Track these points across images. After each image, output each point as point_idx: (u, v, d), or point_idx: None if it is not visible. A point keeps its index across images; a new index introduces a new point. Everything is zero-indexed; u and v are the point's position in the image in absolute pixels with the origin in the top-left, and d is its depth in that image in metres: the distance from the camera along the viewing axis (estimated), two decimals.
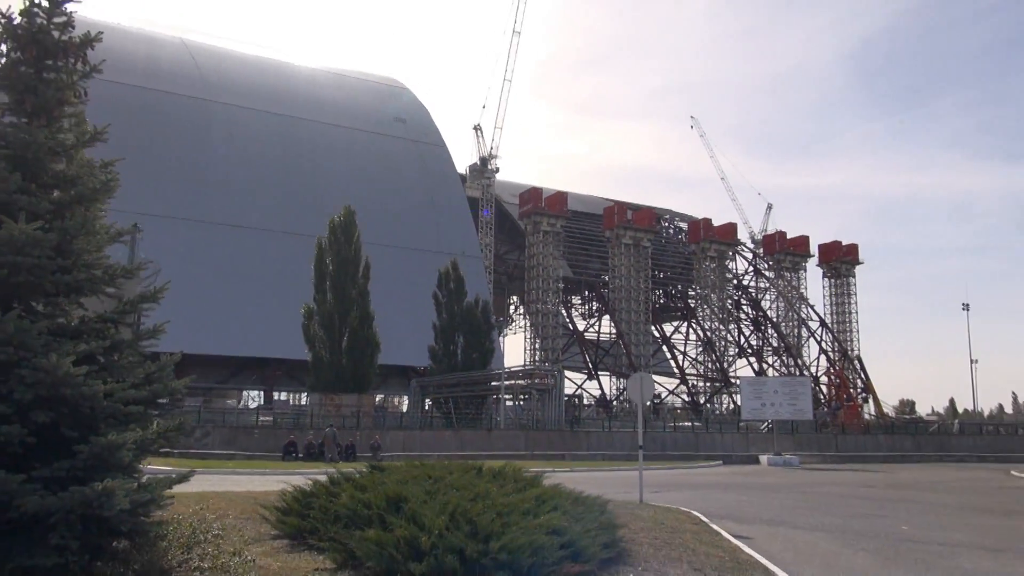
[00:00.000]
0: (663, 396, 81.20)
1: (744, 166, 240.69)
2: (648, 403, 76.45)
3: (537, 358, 77.65)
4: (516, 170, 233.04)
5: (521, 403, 55.22)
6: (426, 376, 59.90)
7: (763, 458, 37.02)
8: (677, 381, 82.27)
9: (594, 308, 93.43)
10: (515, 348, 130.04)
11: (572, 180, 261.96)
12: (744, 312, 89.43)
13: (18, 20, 7.58)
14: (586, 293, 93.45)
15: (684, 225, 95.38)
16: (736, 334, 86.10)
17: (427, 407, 56.74)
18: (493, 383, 57.01)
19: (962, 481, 28.27)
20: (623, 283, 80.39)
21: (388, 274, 60.77)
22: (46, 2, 7.72)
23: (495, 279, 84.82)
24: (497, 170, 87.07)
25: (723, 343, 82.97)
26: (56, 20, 7.80)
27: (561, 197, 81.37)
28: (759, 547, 11.70)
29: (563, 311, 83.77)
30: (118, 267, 7.51)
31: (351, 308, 49.36)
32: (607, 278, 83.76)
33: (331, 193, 68.29)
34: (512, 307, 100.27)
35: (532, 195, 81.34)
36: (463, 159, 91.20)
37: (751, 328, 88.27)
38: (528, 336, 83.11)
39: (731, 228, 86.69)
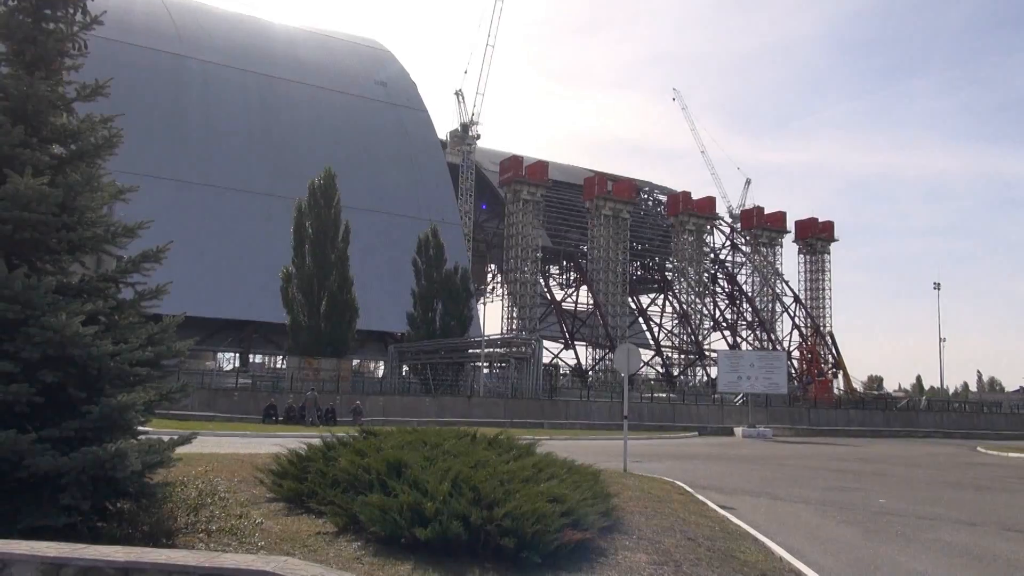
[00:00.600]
0: (639, 367, 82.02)
1: (724, 140, 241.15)
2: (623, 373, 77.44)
3: (514, 327, 77.93)
4: (497, 137, 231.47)
5: (498, 371, 55.49)
6: (403, 342, 59.91)
7: (737, 430, 37.67)
8: (652, 353, 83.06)
9: (572, 278, 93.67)
10: (493, 316, 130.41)
11: (553, 149, 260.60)
12: (720, 286, 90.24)
13: None
14: (564, 263, 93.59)
15: (663, 198, 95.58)
16: (711, 308, 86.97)
17: (404, 373, 56.84)
18: (471, 351, 57.18)
19: (931, 456, 29.01)
20: (601, 254, 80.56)
21: (366, 239, 60.39)
22: None
23: (474, 247, 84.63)
24: (478, 136, 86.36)
25: (698, 316, 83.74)
26: None
27: (542, 166, 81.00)
28: (745, 517, 11.92)
29: (541, 280, 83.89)
30: (120, 225, 7.35)
31: (330, 272, 49.05)
32: (586, 248, 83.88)
33: (309, 155, 67.30)
34: (490, 275, 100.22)
35: (513, 163, 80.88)
36: (444, 125, 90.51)
37: (726, 302, 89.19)
38: (506, 305, 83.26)
39: (710, 202, 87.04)
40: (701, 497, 13.83)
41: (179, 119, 65.24)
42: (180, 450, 11.18)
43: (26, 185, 6.09)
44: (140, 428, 7.68)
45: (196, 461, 12.39)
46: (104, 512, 6.15)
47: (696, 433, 37.50)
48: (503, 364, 51.57)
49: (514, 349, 52.01)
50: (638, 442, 30.73)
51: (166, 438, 7.25)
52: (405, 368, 57.69)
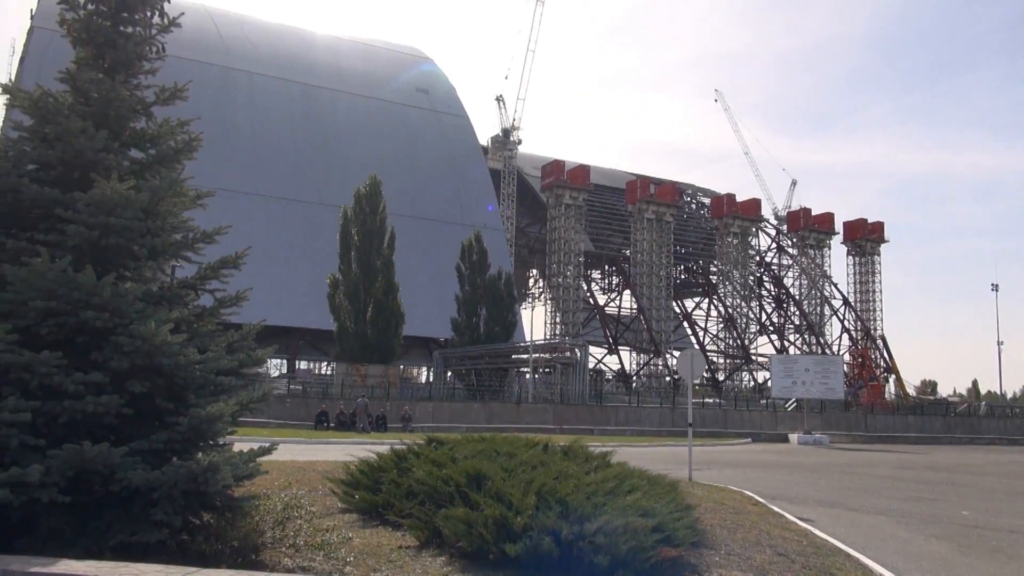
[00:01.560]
0: (703, 374, 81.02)
1: (768, 141, 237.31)
2: (669, 379, 76.38)
3: (558, 332, 77.40)
4: (538, 142, 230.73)
5: (542, 376, 55.12)
6: (447, 347, 59.91)
7: (792, 436, 36.71)
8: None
9: (615, 283, 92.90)
10: (536, 321, 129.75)
11: (595, 153, 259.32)
12: (766, 289, 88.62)
13: None
14: (607, 267, 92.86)
15: (707, 200, 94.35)
16: (758, 311, 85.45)
17: (449, 378, 56.79)
18: (515, 356, 56.93)
19: (1001, 465, 27.86)
20: (645, 258, 79.69)
21: (409, 245, 60.50)
22: None
23: (516, 252, 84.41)
24: (519, 142, 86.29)
25: (744, 320, 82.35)
26: None
27: (583, 170, 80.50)
28: (827, 530, 11.38)
29: (584, 285, 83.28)
30: (199, 231, 7.19)
31: (376, 279, 49.26)
32: (628, 252, 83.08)
33: (353, 163, 67.86)
34: (532, 280, 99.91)
35: (554, 168, 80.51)
36: (485, 130, 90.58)
37: (773, 305, 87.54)
38: (548, 310, 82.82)
39: (755, 204, 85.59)
40: (776, 508, 13.30)
41: (226, 129, 66.21)
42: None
43: (112, 190, 5.94)
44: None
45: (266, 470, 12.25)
46: (193, 527, 5.96)
47: (750, 440, 36.64)
48: (549, 370, 51.16)
49: (560, 354, 51.59)
50: (693, 449, 30.11)
51: (245, 448, 7.06)
52: (450, 374, 57.67)
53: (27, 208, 6.11)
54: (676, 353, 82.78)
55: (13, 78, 60.95)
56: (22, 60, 61.67)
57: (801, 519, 12.39)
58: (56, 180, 6.34)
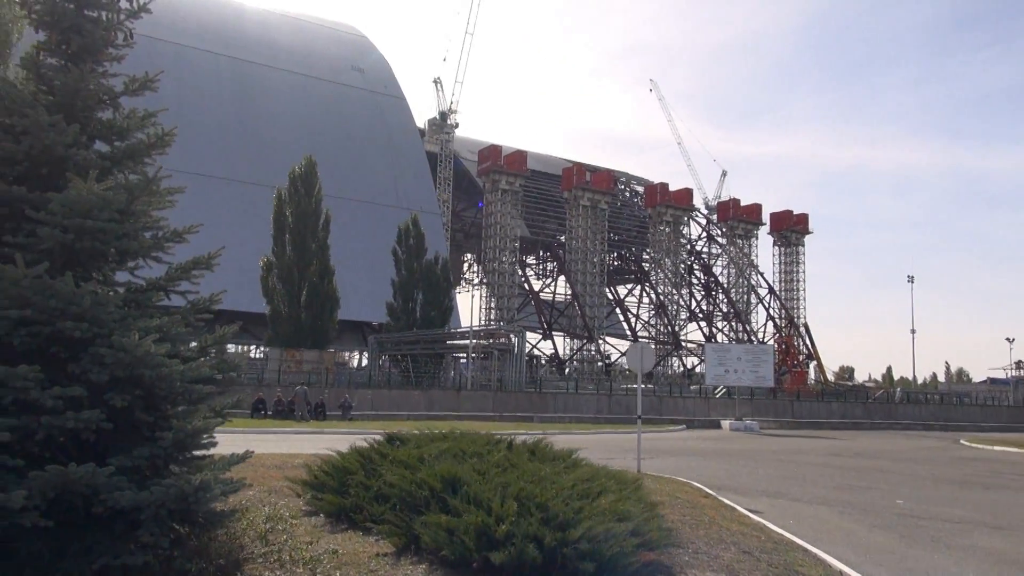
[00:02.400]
0: (613, 358, 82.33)
1: (700, 132, 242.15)
2: (601, 364, 77.53)
3: (493, 317, 77.54)
4: (476, 127, 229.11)
5: (476, 362, 55.18)
6: (381, 332, 59.27)
7: (725, 423, 37.83)
8: (629, 343, 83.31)
9: (549, 268, 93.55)
10: (468, 306, 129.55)
11: (532, 139, 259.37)
12: (696, 277, 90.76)
13: None
14: (542, 253, 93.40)
15: (640, 189, 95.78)
16: (688, 299, 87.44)
17: (384, 363, 56.23)
18: (452, 341, 56.73)
19: (922, 450, 29.36)
20: (579, 244, 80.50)
21: (343, 226, 59.46)
22: None
23: (452, 236, 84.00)
24: (457, 125, 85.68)
25: (675, 307, 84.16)
26: None
27: (520, 156, 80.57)
28: (777, 522, 11.75)
29: (519, 271, 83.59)
30: (169, 230, 6.85)
31: (311, 262, 48.35)
32: (563, 239, 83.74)
33: (285, 142, 66.14)
34: (466, 265, 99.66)
35: (491, 152, 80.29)
36: (423, 113, 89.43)
37: (702, 293, 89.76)
38: (484, 295, 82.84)
39: (687, 193, 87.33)
40: (727, 501, 13.67)
41: (151, 103, 63.43)
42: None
43: (88, 190, 5.59)
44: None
45: None
46: (177, 544, 5.70)
47: (684, 427, 37.58)
48: (485, 356, 51.23)
49: (496, 340, 51.68)
50: (630, 436, 30.67)
51: (232, 455, 6.79)
52: (384, 358, 57.10)
53: None
54: (609, 339, 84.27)
55: None
56: None
57: (751, 511, 12.76)
58: (21, 176, 5.93)
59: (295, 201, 49.18)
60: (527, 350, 74.72)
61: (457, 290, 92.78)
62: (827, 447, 29.23)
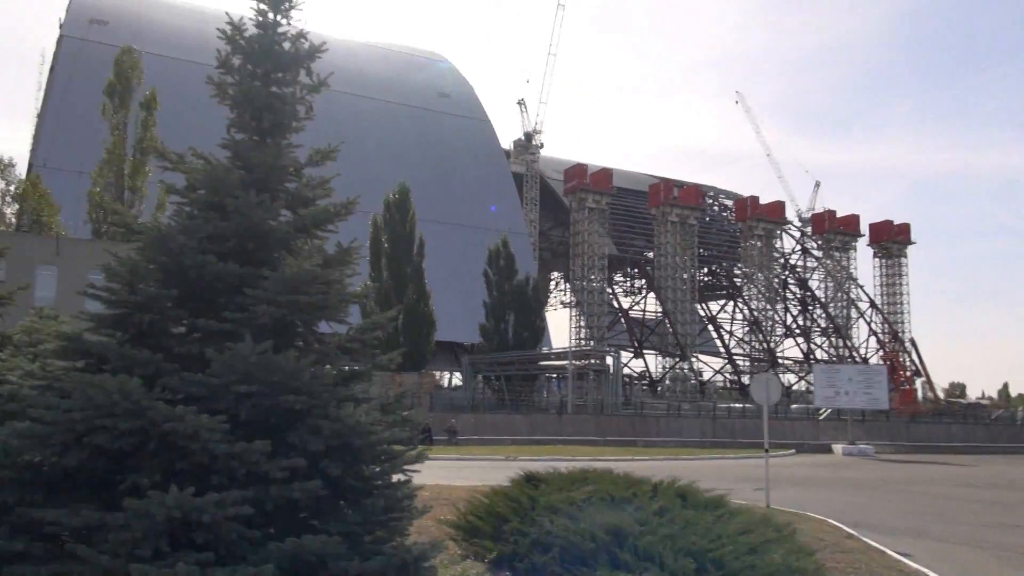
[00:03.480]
0: (706, 376, 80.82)
1: (790, 142, 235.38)
2: (694, 382, 76.04)
3: (582, 336, 77.25)
4: (560, 146, 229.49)
5: (566, 382, 55.04)
6: (474, 353, 59.87)
7: (836, 447, 36.45)
8: (723, 361, 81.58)
9: (637, 285, 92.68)
10: (555, 325, 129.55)
11: (617, 156, 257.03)
12: (791, 292, 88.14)
13: (251, 32, 7.14)
14: (630, 270, 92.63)
15: (730, 203, 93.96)
16: (783, 314, 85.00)
17: (478, 385, 56.79)
18: (544, 362, 56.80)
19: None
20: (668, 261, 79.46)
21: (434, 249, 60.58)
22: (272, 12, 7.26)
23: (539, 256, 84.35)
24: (541, 145, 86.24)
25: (770, 323, 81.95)
26: (280, 30, 7.35)
27: (606, 173, 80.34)
28: (935, 569, 11.21)
29: (607, 289, 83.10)
30: (351, 294, 7.11)
31: (407, 286, 49.37)
32: (652, 255, 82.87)
33: (377, 169, 67.84)
34: (554, 284, 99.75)
35: (577, 171, 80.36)
36: (508, 135, 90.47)
37: (798, 308, 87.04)
38: (573, 314, 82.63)
39: (778, 206, 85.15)
40: (871, 542, 13.13)
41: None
42: None
43: (297, 267, 5.88)
44: None
45: None
46: None
47: (793, 451, 36.39)
48: (579, 376, 51.01)
49: (592, 361, 51.48)
50: (740, 462, 29.99)
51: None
52: (478, 379, 57.66)
53: (209, 285, 6.06)
54: (702, 357, 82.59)
55: (44, 86, 61.45)
56: (52, 68, 62.08)
57: (901, 554, 12.23)
58: (229, 253, 6.28)
59: (390, 227, 50.47)
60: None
61: (546, 310, 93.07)
62: (955, 475, 27.75)
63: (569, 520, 8.91)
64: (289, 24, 7.34)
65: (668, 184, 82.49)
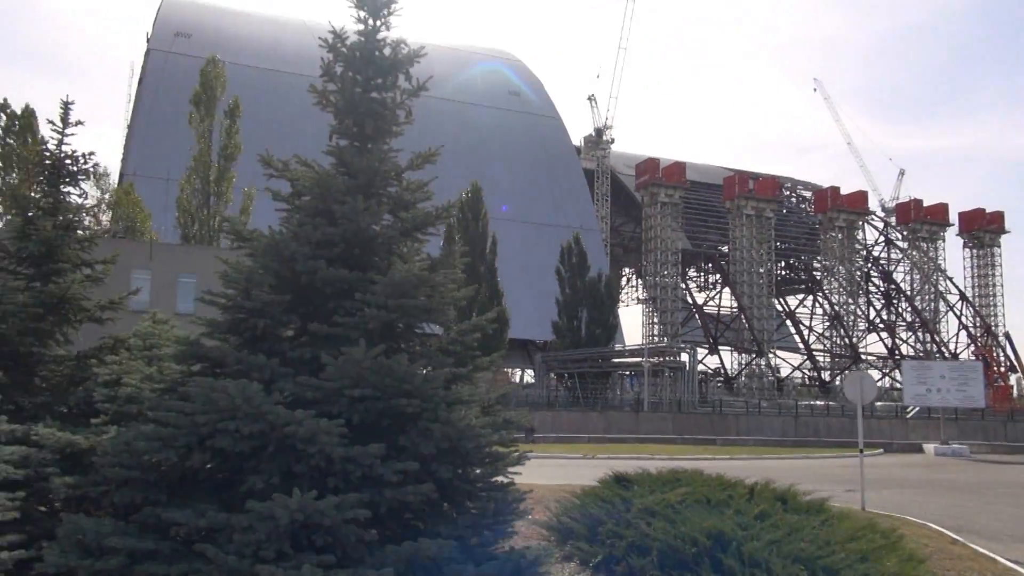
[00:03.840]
0: (784, 372, 78.77)
1: (871, 130, 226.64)
2: (772, 379, 74.15)
3: (656, 332, 76.34)
4: (631, 140, 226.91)
5: (641, 379, 54.42)
6: (546, 350, 59.86)
7: (928, 447, 34.91)
8: (802, 357, 79.32)
9: (711, 280, 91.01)
10: (627, 322, 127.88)
11: (689, 149, 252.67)
12: (874, 285, 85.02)
13: (352, 39, 7.24)
14: (703, 265, 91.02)
15: (808, 194, 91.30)
16: (866, 308, 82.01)
17: (551, 382, 56.79)
18: (618, 359, 56.36)
19: None
20: (744, 255, 77.69)
21: (505, 247, 60.84)
22: (372, 19, 7.35)
23: (610, 252, 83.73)
24: (612, 141, 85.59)
25: (852, 318, 79.19)
26: (379, 36, 7.43)
27: (679, 167, 79.09)
28: None
29: (681, 284, 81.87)
30: (454, 299, 7.14)
31: (480, 285, 49.65)
32: (727, 249, 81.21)
33: (449, 168, 68.34)
34: (625, 280, 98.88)
35: (648, 166, 79.38)
36: (578, 130, 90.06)
37: (882, 302, 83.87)
38: (645, 310, 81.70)
39: (861, 196, 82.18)
40: (980, 549, 12.48)
41: (321, 140, 67.82)
42: None
43: (406, 271, 5.93)
44: None
45: None
46: None
47: (881, 451, 35.03)
48: (654, 374, 50.39)
49: (667, 358, 50.81)
50: (828, 463, 29.08)
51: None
52: (551, 377, 57.65)
53: (318, 290, 6.17)
54: (779, 353, 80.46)
55: (133, 97, 64.29)
56: (140, 80, 64.87)
57: (1012, 562, 11.59)
58: (338, 258, 6.39)
59: (463, 227, 50.82)
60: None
61: (618, 306, 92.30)
62: None
63: (667, 523, 8.76)
64: (388, 30, 7.43)
65: (743, 176, 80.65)
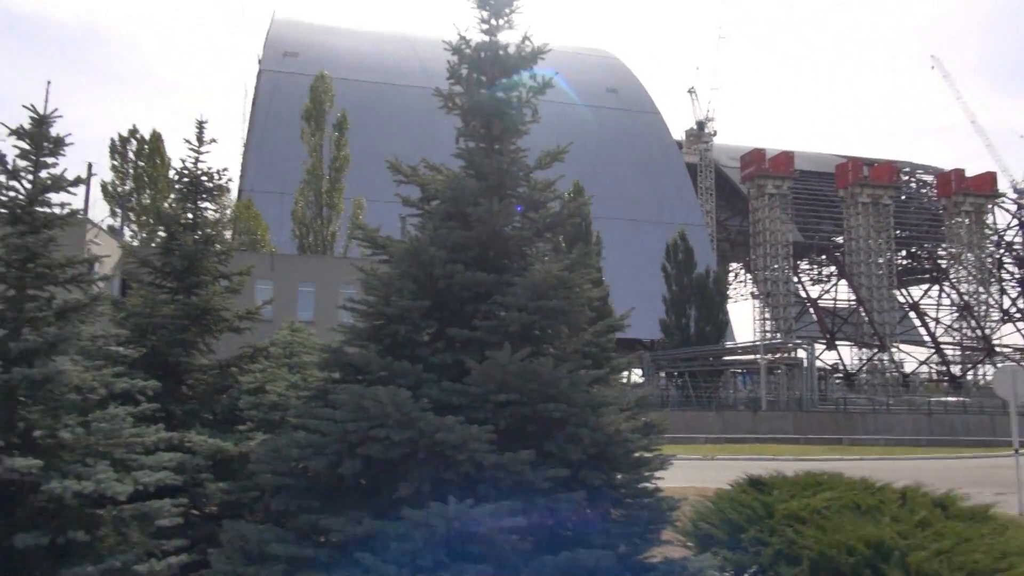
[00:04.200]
0: (909, 367, 74.47)
1: (996, 107, 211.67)
2: (896, 375, 70.18)
3: (768, 328, 73.73)
4: (735, 132, 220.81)
5: (754, 378, 52.58)
6: (654, 349, 58.83)
7: None
8: (931, 350, 74.78)
9: (825, 273, 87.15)
10: (736, 319, 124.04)
11: (797, 138, 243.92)
12: (1008, 272, 79.20)
13: (476, 40, 7.17)
14: (816, 257, 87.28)
15: (929, 178, 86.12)
16: (999, 297, 76.50)
17: (660, 381, 55.78)
18: (729, 357, 54.79)
19: None
20: (861, 245, 73.98)
21: (609, 246, 60.18)
22: (495, 18, 7.25)
23: (717, 247, 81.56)
24: (715, 133, 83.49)
25: (983, 308, 74.04)
26: (502, 36, 7.33)
27: (787, 157, 76.17)
28: None
29: (793, 278, 78.79)
30: (591, 300, 6.92)
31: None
32: (841, 240, 77.56)
33: (548, 169, 68.42)
34: (732, 275, 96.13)
35: (754, 157, 76.87)
36: (678, 124, 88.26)
37: (1018, 290, 77.99)
38: (755, 305, 79.14)
39: (989, 178, 76.75)
40: None
41: (431, 147, 69.16)
42: None
43: (545, 272, 5.78)
44: None
45: None
46: None
47: None
48: (770, 371, 48.59)
49: (783, 355, 48.96)
50: (970, 464, 27.20)
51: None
52: (660, 376, 56.63)
53: (456, 294, 6.11)
54: (903, 347, 76.16)
55: (248, 117, 67.60)
56: (254, 100, 68.09)
57: None
58: (472, 261, 6.31)
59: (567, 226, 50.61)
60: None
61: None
62: None
63: (818, 530, 8.25)
64: (511, 28, 7.32)
65: (856, 163, 76.86)
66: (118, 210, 39.94)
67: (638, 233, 68.60)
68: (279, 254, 36.41)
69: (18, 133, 6.50)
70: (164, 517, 5.80)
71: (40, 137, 6.55)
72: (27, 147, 6.51)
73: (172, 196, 10.10)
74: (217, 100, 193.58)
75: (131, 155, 42.31)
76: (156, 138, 43.17)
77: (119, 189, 41.23)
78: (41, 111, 6.55)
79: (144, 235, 39.41)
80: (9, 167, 6.41)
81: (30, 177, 6.50)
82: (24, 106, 6.60)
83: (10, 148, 6.51)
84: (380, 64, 72.67)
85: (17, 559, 5.45)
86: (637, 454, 6.00)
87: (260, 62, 69.82)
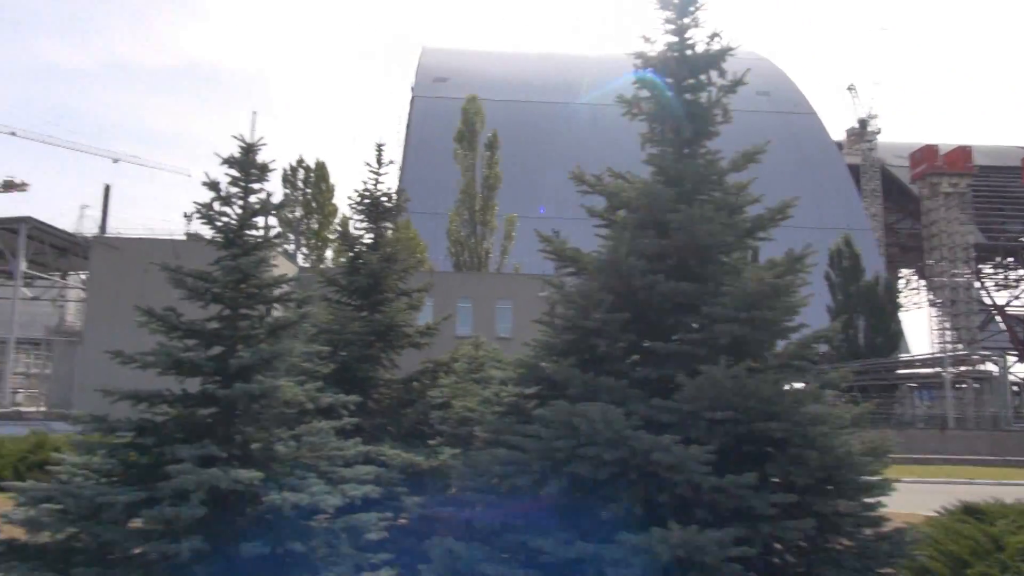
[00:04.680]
0: None
1: None
2: None
3: (947, 338, 67.66)
4: (901, 129, 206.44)
5: (931, 392, 48.16)
6: (816, 363, 55.47)
7: None
8: None
9: (1014, 277, 79.05)
10: (913, 328, 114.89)
11: (972, 131, 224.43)
12: None
13: (662, 41, 6.89)
14: (1002, 260, 79.37)
15: None
16: None
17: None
18: (905, 370, 50.69)
19: None
20: None
21: (768, 254, 57.58)
22: (680, 18, 6.92)
23: (885, 252, 76.04)
24: (878, 131, 78.08)
25: None
26: (688, 35, 6.99)
27: (964, 152, 69.94)
28: None
29: (975, 283, 72.02)
30: (795, 307, 6.39)
31: None
32: None
33: None
34: (903, 281, 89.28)
35: (925, 154, 71.14)
36: (837, 124, 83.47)
37: None
38: (933, 314, 72.90)
39: None
40: None
41: (577, 159, 69.17)
42: None
43: (758, 279, 5.36)
44: None
45: None
46: None
47: None
48: (959, 386, 44.36)
49: (969, 367, 44.62)
50: None
51: None
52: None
53: (656, 305, 5.81)
54: None
55: (403, 141, 70.57)
56: (408, 125, 71.08)
57: None
58: (670, 271, 5.99)
59: None
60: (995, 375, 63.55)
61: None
62: None
63: None
64: (697, 26, 6.98)
65: None
66: (291, 235, 42.70)
67: (797, 240, 65.11)
68: (438, 272, 37.51)
69: (229, 161, 6.90)
70: (372, 530, 5.87)
71: (248, 164, 6.90)
72: (237, 174, 6.88)
73: (353, 217, 10.45)
74: (370, 128, 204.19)
75: (299, 183, 45.20)
76: (321, 167, 45.89)
77: (291, 215, 44.11)
78: (248, 140, 6.91)
79: (314, 258, 41.85)
80: (222, 193, 6.80)
81: (240, 202, 6.88)
82: (233, 136, 6.99)
83: (222, 175, 6.92)
84: (525, 83, 73.76)
85: (240, 566, 5.68)
86: (863, 478, 5.45)
87: (412, 89, 72.82)
